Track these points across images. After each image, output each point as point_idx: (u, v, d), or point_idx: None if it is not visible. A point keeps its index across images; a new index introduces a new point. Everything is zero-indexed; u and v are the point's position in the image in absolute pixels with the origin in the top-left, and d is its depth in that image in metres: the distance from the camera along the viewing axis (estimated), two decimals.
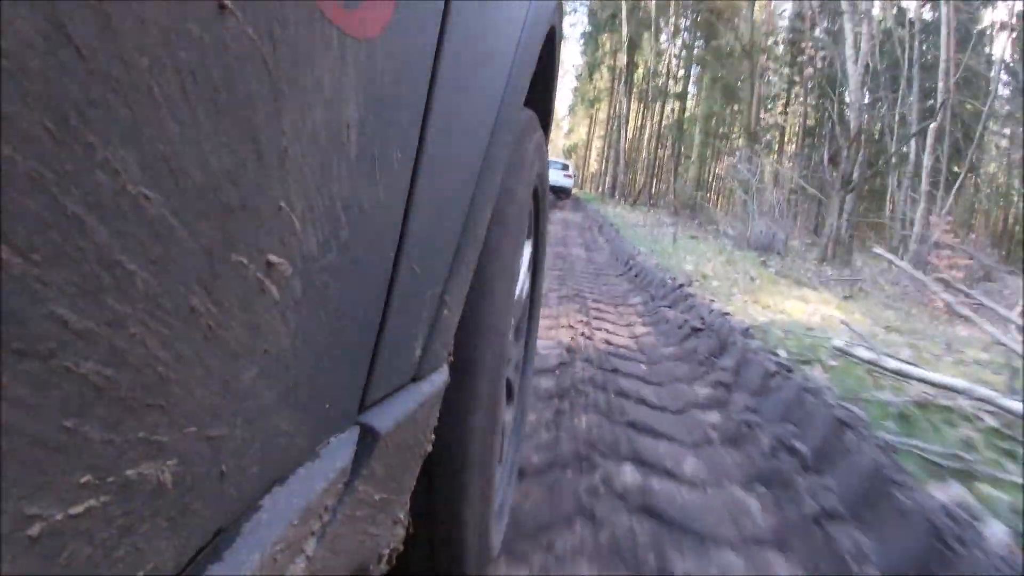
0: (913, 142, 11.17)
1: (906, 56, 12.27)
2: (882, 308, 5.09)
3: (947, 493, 1.21)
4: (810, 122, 18.79)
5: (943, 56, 9.81)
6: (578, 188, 25.79)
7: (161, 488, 0.21)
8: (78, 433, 0.17)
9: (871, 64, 10.78)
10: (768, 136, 20.27)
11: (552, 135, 1.29)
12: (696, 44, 25.12)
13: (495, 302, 0.65)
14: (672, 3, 22.30)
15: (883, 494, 1.20)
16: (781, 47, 20.37)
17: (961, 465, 1.39)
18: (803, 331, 2.84)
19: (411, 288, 0.42)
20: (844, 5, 9.94)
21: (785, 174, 12.88)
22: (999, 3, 13.26)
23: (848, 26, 9.99)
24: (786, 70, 19.62)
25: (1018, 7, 11.47)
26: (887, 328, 3.57)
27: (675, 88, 25.31)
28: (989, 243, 14.72)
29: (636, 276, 4.66)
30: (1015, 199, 16.24)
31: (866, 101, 10.19)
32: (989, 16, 14.57)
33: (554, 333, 2.54)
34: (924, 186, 9.81)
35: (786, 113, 20.90)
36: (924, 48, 13.14)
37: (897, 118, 12.60)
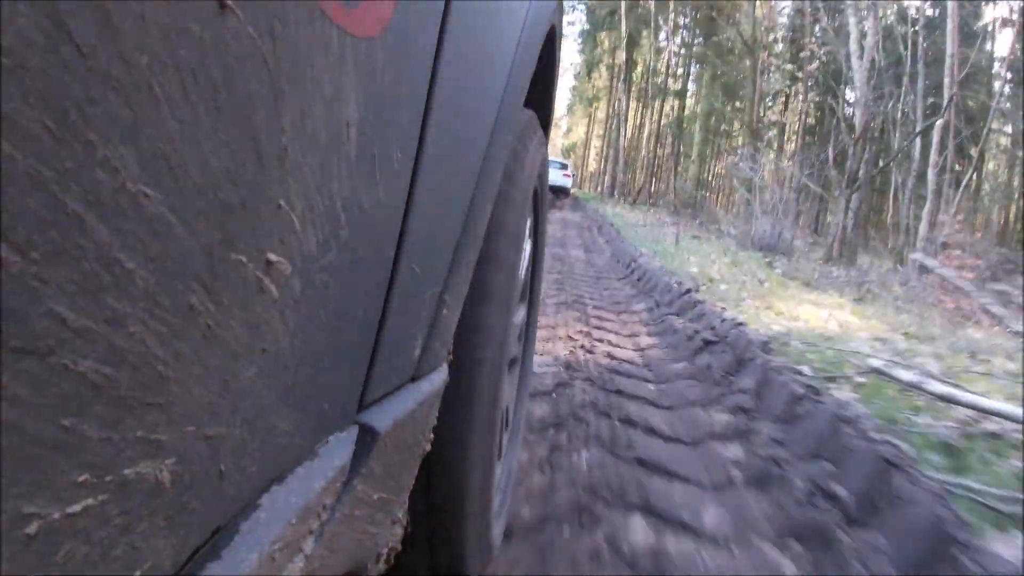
0: (917, 139, 11.15)
1: (909, 52, 12.24)
2: (895, 311, 4.94)
3: (1013, 547, 1.09)
4: (810, 120, 18.78)
5: (948, 51, 9.71)
6: (577, 187, 25.78)
7: (159, 487, 0.21)
8: (76, 431, 0.17)
9: (876, 59, 10.73)
10: (770, 133, 20.24)
11: (551, 134, 1.28)
12: (696, 41, 25.14)
13: (495, 301, 0.65)
14: (671, 0, 22.29)
15: (942, 556, 1.06)
16: (780, 45, 20.36)
17: (1021, 509, 1.24)
18: (824, 342, 2.71)
19: (411, 287, 0.42)
20: (847, 1, 9.92)
21: (788, 172, 12.87)
22: (1000, 0, 13.29)
23: (852, 20, 9.97)
24: (788, 66, 19.58)
25: (1019, 5, 11.46)
26: (906, 335, 3.40)
27: (674, 86, 25.30)
28: (989, 243, 14.71)
29: (639, 280, 4.49)
30: (1015, 197, 16.25)
31: (871, 97, 10.13)
32: (990, 12, 14.61)
33: (551, 346, 2.36)
34: (931, 184, 9.67)
35: (786, 110, 20.89)
36: (925, 45, 13.11)
37: (900, 115, 12.56)
